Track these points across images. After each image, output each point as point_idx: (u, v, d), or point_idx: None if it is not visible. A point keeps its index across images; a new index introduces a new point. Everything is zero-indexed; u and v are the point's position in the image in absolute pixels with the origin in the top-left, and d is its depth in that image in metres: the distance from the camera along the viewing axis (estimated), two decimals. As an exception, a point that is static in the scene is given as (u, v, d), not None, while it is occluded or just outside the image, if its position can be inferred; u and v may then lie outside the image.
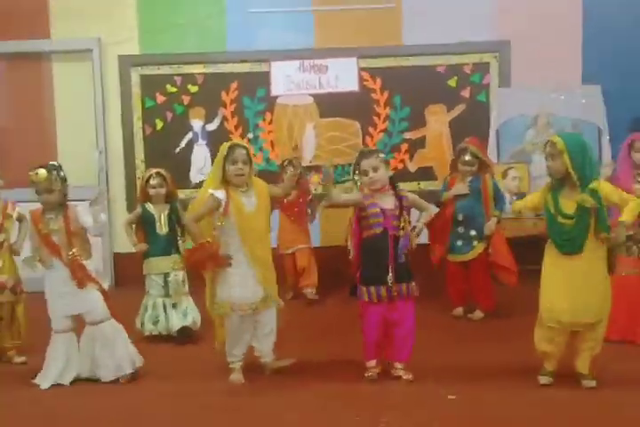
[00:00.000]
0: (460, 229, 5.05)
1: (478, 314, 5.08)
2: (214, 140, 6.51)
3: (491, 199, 5.01)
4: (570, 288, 3.50)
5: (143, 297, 4.83)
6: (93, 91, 6.59)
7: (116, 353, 3.90)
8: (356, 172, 4.92)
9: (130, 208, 6.50)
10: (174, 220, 4.80)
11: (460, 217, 5.04)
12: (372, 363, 3.81)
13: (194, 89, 6.58)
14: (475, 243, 5.03)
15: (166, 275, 4.75)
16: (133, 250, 4.84)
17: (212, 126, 6.61)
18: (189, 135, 6.63)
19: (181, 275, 4.75)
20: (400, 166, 6.49)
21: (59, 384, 3.87)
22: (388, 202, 3.73)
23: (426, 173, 6.52)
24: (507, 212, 5.01)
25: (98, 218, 3.86)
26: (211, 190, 3.75)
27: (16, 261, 4.33)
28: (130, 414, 3.49)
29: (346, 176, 6.36)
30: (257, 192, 3.80)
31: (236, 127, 6.60)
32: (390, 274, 3.67)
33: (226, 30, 6.57)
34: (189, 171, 6.60)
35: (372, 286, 3.71)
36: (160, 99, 6.60)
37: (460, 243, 5.07)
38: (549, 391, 3.56)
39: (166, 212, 4.80)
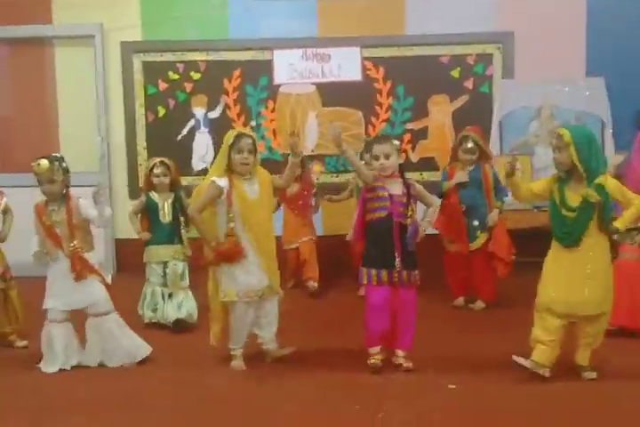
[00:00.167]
0: (464, 221, 5.04)
1: (480, 304, 5.09)
2: (216, 127, 6.50)
3: (492, 190, 5.00)
4: (567, 280, 3.50)
5: (144, 284, 4.83)
6: (95, 77, 6.56)
7: (122, 344, 3.92)
8: (363, 154, 4.94)
9: (132, 195, 6.51)
10: (178, 208, 4.79)
11: (463, 208, 5.03)
12: (376, 349, 3.77)
13: (196, 76, 6.56)
14: (477, 233, 5.03)
15: (166, 264, 4.74)
16: (135, 236, 4.83)
17: (214, 114, 6.59)
18: (191, 123, 6.60)
19: (181, 266, 4.73)
20: (402, 157, 6.45)
21: (61, 369, 3.88)
22: (397, 188, 3.73)
23: (428, 164, 6.51)
24: (508, 202, 5.01)
25: (103, 212, 3.83)
26: (212, 178, 3.75)
27: (1, 247, 4.33)
28: (129, 401, 3.48)
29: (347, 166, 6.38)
30: (260, 181, 3.80)
31: (239, 115, 6.57)
32: (398, 259, 3.66)
33: (229, 18, 6.53)
34: (191, 158, 6.58)
35: (373, 268, 3.71)
36: (162, 86, 6.57)
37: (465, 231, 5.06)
38: (549, 383, 3.55)
39: (170, 200, 4.79)
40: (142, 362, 3.98)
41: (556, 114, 6.05)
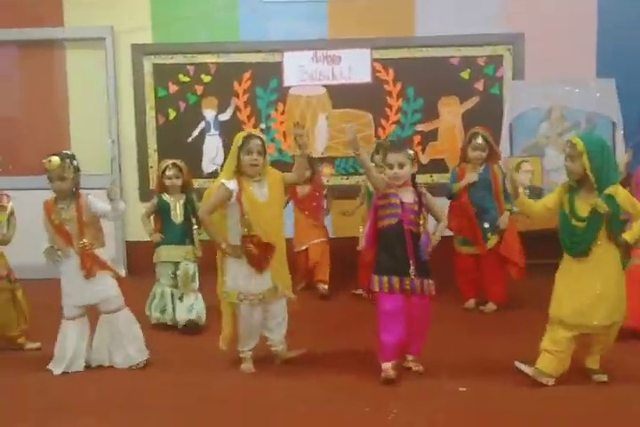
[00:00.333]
0: (475, 220, 5.02)
1: (491, 306, 5.07)
2: (227, 130, 6.50)
3: (501, 192, 4.98)
4: (578, 291, 3.48)
5: (153, 285, 4.85)
6: (106, 79, 6.58)
7: (130, 342, 3.94)
8: (379, 153, 4.89)
9: (142, 197, 6.52)
10: (190, 210, 4.81)
11: (474, 210, 5.01)
12: (388, 365, 3.66)
13: (207, 79, 6.56)
14: (488, 235, 5.01)
15: (176, 265, 4.76)
16: (146, 238, 4.85)
17: (224, 116, 6.59)
18: (202, 125, 6.61)
19: (192, 267, 4.75)
20: (415, 166, 6.44)
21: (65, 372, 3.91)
22: (408, 196, 3.71)
23: (438, 166, 6.49)
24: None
25: (118, 206, 3.86)
26: (222, 180, 3.75)
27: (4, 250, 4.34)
28: (137, 402, 3.49)
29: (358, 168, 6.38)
30: (270, 182, 3.80)
31: (249, 117, 6.58)
32: (412, 267, 3.64)
33: (239, 20, 6.54)
34: (201, 161, 6.60)
35: (384, 275, 3.68)
36: (173, 88, 6.58)
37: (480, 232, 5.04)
38: (560, 386, 3.53)
39: (182, 202, 4.82)
40: (149, 364, 3.99)
41: (566, 115, 6.01)
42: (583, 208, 3.47)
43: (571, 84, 6.11)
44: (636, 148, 4.40)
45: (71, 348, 3.91)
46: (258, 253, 3.68)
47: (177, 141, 6.56)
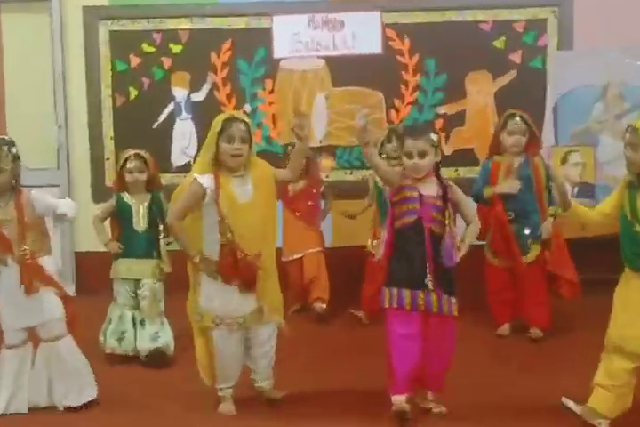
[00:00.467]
0: (512, 229, 5.04)
1: (537, 332, 5.05)
2: (201, 113, 6.53)
3: (544, 189, 5.00)
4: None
5: (109, 306, 4.85)
6: (51, 50, 6.60)
7: (78, 376, 3.94)
8: (391, 141, 4.93)
9: (95, 197, 6.55)
10: (156, 213, 4.80)
11: (512, 215, 5.03)
12: (401, 398, 3.66)
13: (177, 49, 6.59)
14: (529, 244, 5.02)
15: (138, 282, 4.77)
16: (100, 248, 4.85)
17: (198, 96, 6.63)
18: (171, 107, 6.65)
19: (159, 287, 4.76)
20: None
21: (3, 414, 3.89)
22: (430, 189, 3.71)
23: (465, 157, 6.51)
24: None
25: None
26: (195, 175, 3.74)
27: None
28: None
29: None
30: (256, 177, 3.77)
31: (229, 97, 6.60)
32: (429, 275, 3.63)
33: (218, -24, 6.60)
34: (170, 151, 6.62)
35: (396, 288, 3.68)
36: (135, 61, 6.61)
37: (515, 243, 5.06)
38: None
39: (146, 203, 4.82)
40: (106, 402, 3.98)
41: (625, 94, 6.03)
42: None
43: (631, 55, 6.11)
44: None
45: (9, 383, 3.90)
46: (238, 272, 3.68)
47: (139, 127, 6.59)
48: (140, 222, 4.80)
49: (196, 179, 3.71)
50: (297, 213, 5.68)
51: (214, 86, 6.62)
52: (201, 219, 3.76)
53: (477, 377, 4.26)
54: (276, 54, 6.57)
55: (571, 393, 3.76)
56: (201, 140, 6.36)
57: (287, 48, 6.57)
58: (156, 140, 6.44)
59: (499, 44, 6.50)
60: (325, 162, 6.50)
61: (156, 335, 4.68)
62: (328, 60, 6.57)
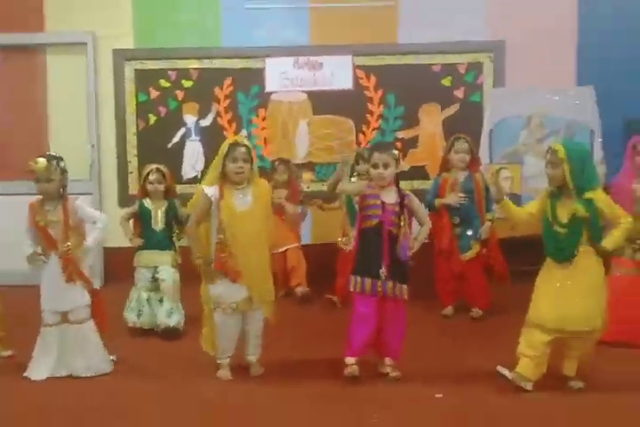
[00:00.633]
0: (457, 231, 5.06)
1: (478, 312, 5.07)
2: (207, 135, 6.51)
3: (483, 199, 5.02)
4: (559, 295, 3.50)
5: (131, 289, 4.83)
6: (87, 84, 6.55)
7: (96, 353, 3.92)
8: (359, 162, 4.93)
9: (121, 203, 6.50)
10: (171, 217, 4.80)
11: (457, 220, 5.05)
12: (351, 360, 3.72)
13: (188, 84, 6.56)
14: (471, 243, 5.04)
15: (155, 269, 4.75)
16: (123, 244, 4.83)
17: (205, 122, 6.58)
18: (182, 130, 6.59)
19: (175, 274, 4.74)
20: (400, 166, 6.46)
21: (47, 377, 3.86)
22: (390, 197, 3.73)
23: (418, 173, 6.49)
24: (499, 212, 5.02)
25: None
26: (203, 186, 3.74)
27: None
28: (118, 410, 3.47)
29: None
30: (256, 191, 3.75)
31: (230, 123, 6.57)
32: (383, 268, 3.65)
33: (221, 26, 6.54)
34: (182, 166, 6.57)
35: (360, 276, 3.71)
36: (154, 93, 6.57)
37: (456, 244, 5.07)
38: (536, 393, 3.54)
39: (163, 208, 4.81)
40: (125, 370, 3.97)
41: (545, 123, 6.04)
42: (564, 214, 3.50)
43: (550, 91, 6.14)
44: (613, 159, 4.44)
45: (52, 354, 3.87)
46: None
47: (157, 147, 6.54)
48: (158, 224, 4.79)
49: (203, 190, 3.72)
50: (282, 217, 5.66)
51: (218, 114, 6.58)
52: (211, 228, 3.75)
53: (427, 348, 4.27)
54: (268, 89, 6.54)
55: (504, 362, 3.76)
56: (207, 158, 6.46)
57: (276, 84, 6.54)
58: (170, 158, 6.38)
59: (446, 82, 6.50)
60: (306, 176, 6.49)
61: (171, 311, 4.66)
62: (309, 93, 6.54)
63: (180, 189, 6.07)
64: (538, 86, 6.15)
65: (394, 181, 3.78)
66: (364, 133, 6.55)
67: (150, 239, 4.78)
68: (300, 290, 5.61)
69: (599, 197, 3.48)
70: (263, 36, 6.50)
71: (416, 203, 3.80)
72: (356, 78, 6.51)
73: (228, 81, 6.53)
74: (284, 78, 6.53)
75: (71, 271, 3.81)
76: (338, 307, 5.34)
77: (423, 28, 6.38)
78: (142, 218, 4.81)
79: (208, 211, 3.72)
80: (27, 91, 6.71)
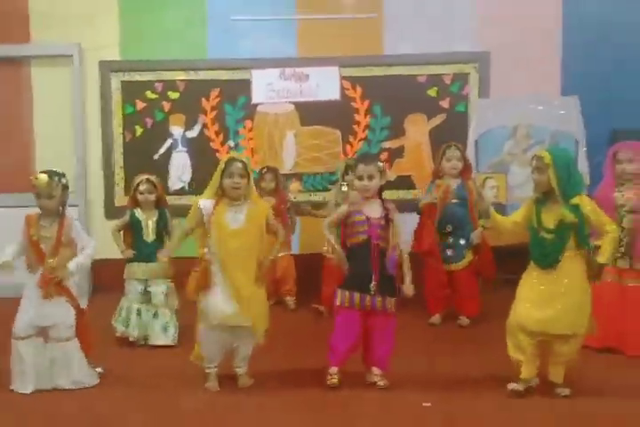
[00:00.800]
0: (450, 239, 5.11)
1: (465, 320, 5.12)
2: (194, 147, 6.55)
3: (475, 206, 5.05)
4: (541, 299, 3.56)
5: (121, 299, 4.82)
6: (73, 96, 6.57)
7: (79, 369, 3.90)
8: (348, 173, 4.96)
9: (108, 214, 6.51)
10: (162, 227, 4.82)
11: (450, 228, 5.09)
12: (334, 370, 3.77)
13: (174, 96, 6.59)
14: (465, 252, 5.08)
15: (146, 282, 4.76)
16: (112, 256, 4.83)
17: (192, 133, 6.62)
18: (169, 142, 6.62)
19: (169, 286, 4.76)
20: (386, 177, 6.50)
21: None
22: (375, 210, 3.77)
23: (404, 182, 6.55)
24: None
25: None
26: (200, 199, 3.78)
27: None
28: (96, 423, 3.48)
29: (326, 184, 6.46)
30: (251, 210, 3.76)
31: (217, 134, 6.61)
32: (373, 283, 3.69)
33: (207, 37, 6.59)
34: (168, 177, 6.58)
35: (348, 291, 3.74)
36: (140, 105, 6.60)
37: (449, 253, 5.12)
38: (524, 400, 3.59)
39: (154, 218, 4.81)
40: (112, 381, 3.98)
41: (531, 133, 6.12)
42: (550, 220, 3.56)
43: (535, 102, 6.22)
44: (596, 168, 4.50)
45: (31, 365, 3.83)
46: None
47: (144, 158, 6.55)
48: (150, 234, 4.80)
49: (197, 202, 3.78)
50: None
51: (204, 125, 6.61)
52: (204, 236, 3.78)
53: (415, 357, 4.30)
54: (254, 100, 6.59)
55: (492, 371, 3.81)
56: (194, 170, 6.50)
57: (263, 95, 6.58)
58: (156, 169, 6.31)
59: (432, 92, 6.56)
60: (294, 186, 6.53)
61: (167, 325, 4.69)
62: (296, 105, 6.59)
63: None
64: (523, 97, 6.23)
65: (378, 192, 3.82)
66: (350, 144, 6.60)
67: (142, 251, 4.78)
68: (289, 299, 5.72)
69: (585, 202, 3.55)
70: (249, 47, 6.54)
71: (396, 217, 3.81)
72: (342, 89, 6.57)
73: (214, 92, 6.57)
74: (271, 90, 6.58)
75: (50, 288, 3.77)
76: (325, 316, 5.36)
77: (409, 39, 6.46)
78: (134, 229, 4.81)
79: (201, 224, 3.75)
80: (12, 103, 6.72)
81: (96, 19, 6.53)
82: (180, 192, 6.41)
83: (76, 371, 3.88)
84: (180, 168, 6.60)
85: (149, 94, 6.59)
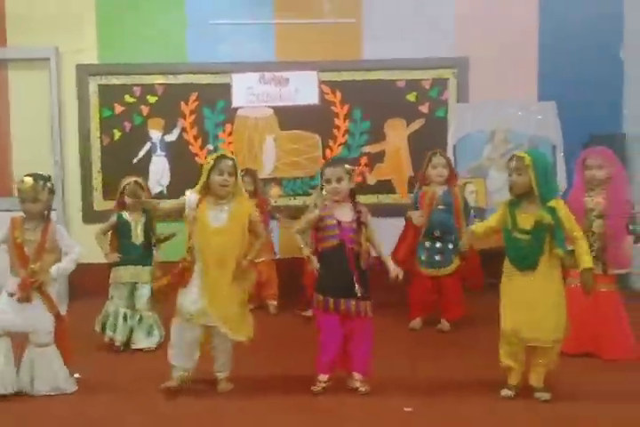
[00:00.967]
0: (438, 245, 5.12)
1: (446, 325, 5.13)
2: (173, 151, 6.53)
3: (462, 212, 5.10)
4: (526, 304, 3.58)
5: (99, 309, 4.78)
6: (50, 100, 6.53)
7: (57, 374, 3.84)
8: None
9: (86, 219, 6.48)
10: (149, 229, 4.81)
11: (437, 233, 5.10)
12: (324, 377, 3.78)
13: (153, 99, 6.58)
14: (453, 257, 5.10)
15: (134, 285, 4.74)
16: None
17: (170, 137, 6.60)
18: (148, 146, 6.60)
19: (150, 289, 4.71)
20: (358, 180, 6.53)
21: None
22: (346, 214, 3.78)
23: (384, 187, 6.59)
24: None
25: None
26: (189, 190, 3.77)
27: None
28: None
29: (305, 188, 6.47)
30: (235, 209, 3.75)
31: (196, 138, 6.60)
32: (357, 285, 3.69)
33: (186, 41, 6.58)
34: (147, 182, 6.53)
35: (322, 295, 3.75)
36: (118, 109, 6.57)
37: (437, 258, 5.12)
38: (507, 404, 3.61)
39: (142, 220, 4.80)
40: (93, 385, 3.94)
41: (509, 138, 6.18)
42: (526, 221, 3.60)
43: (513, 107, 6.29)
44: (573, 172, 4.55)
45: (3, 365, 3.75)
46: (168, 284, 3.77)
47: (122, 162, 6.52)
48: (138, 237, 4.78)
49: (185, 193, 3.77)
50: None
51: (183, 129, 6.60)
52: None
53: (396, 362, 4.30)
54: (234, 104, 6.59)
55: (475, 375, 3.81)
56: (173, 173, 6.47)
57: (243, 99, 6.59)
58: (135, 173, 6.30)
59: (411, 97, 6.61)
60: (274, 190, 6.53)
61: (151, 329, 4.68)
62: (276, 109, 6.60)
63: (145, 204, 6.10)
64: (501, 102, 6.29)
65: (349, 196, 3.83)
66: (330, 148, 6.62)
67: (130, 254, 4.75)
68: (271, 304, 5.70)
69: (561, 206, 3.59)
70: (228, 51, 6.55)
71: (368, 220, 3.80)
72: (321, 94, 6.60)
73: (193, 96, 6.57)
74: (250, 94, 6.59)
75: (26, 291, 3.72)
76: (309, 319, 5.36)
77: (387, 44, 6.51)
78: (121, 231, 4.78)
79: (179, 209, 3.76)
80: (-12, 106, 6.68)
81: (73, 22, 6.50)
82: (159, 196, 6.36)
83: (55, 376, 3.83)
84: (159, 172, 6.59)
85: (127, 98, 6.57)
